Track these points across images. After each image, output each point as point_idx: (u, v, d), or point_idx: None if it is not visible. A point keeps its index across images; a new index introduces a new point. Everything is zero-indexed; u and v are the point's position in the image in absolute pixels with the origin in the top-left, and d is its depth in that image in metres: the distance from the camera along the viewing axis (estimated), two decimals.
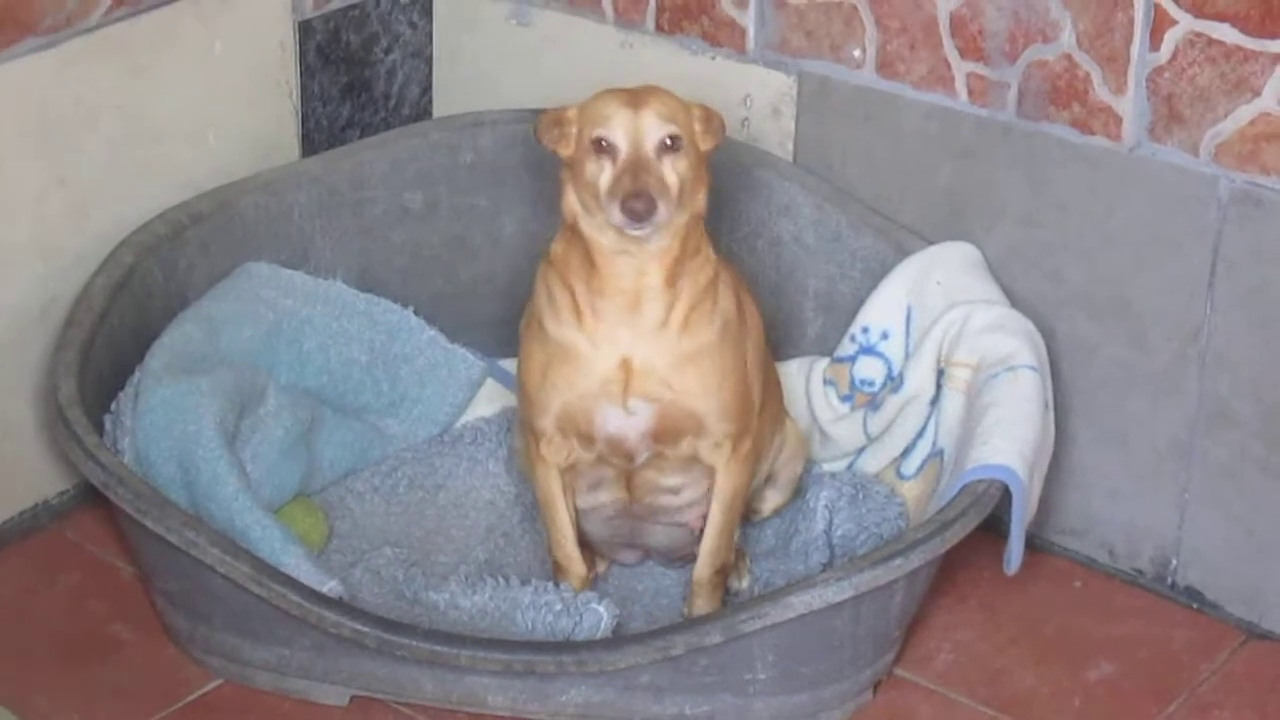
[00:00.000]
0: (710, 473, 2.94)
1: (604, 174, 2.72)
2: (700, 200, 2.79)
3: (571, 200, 2.80)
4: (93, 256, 3.14)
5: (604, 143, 2.72)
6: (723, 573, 3.00)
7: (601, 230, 2.76)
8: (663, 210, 2.66)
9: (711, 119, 2.83)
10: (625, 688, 2.79)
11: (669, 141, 2.72)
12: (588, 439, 2.89)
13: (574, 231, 2.81)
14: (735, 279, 2.93)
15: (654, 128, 2.72)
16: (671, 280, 2.80)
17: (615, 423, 2.87)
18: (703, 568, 2.98)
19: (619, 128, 2.72)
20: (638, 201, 2.65)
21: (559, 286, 2.84)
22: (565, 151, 2.80)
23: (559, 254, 2.85)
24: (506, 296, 3.36)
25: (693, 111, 2.79)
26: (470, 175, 3.41)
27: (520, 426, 3.09)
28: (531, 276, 3.30)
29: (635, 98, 2.75)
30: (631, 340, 2.82)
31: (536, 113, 3.34)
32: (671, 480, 2.97)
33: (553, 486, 2.95)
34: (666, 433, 2.88)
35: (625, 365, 2.83)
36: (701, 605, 2.97)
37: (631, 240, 2.74)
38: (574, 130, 2.78)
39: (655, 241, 2.76)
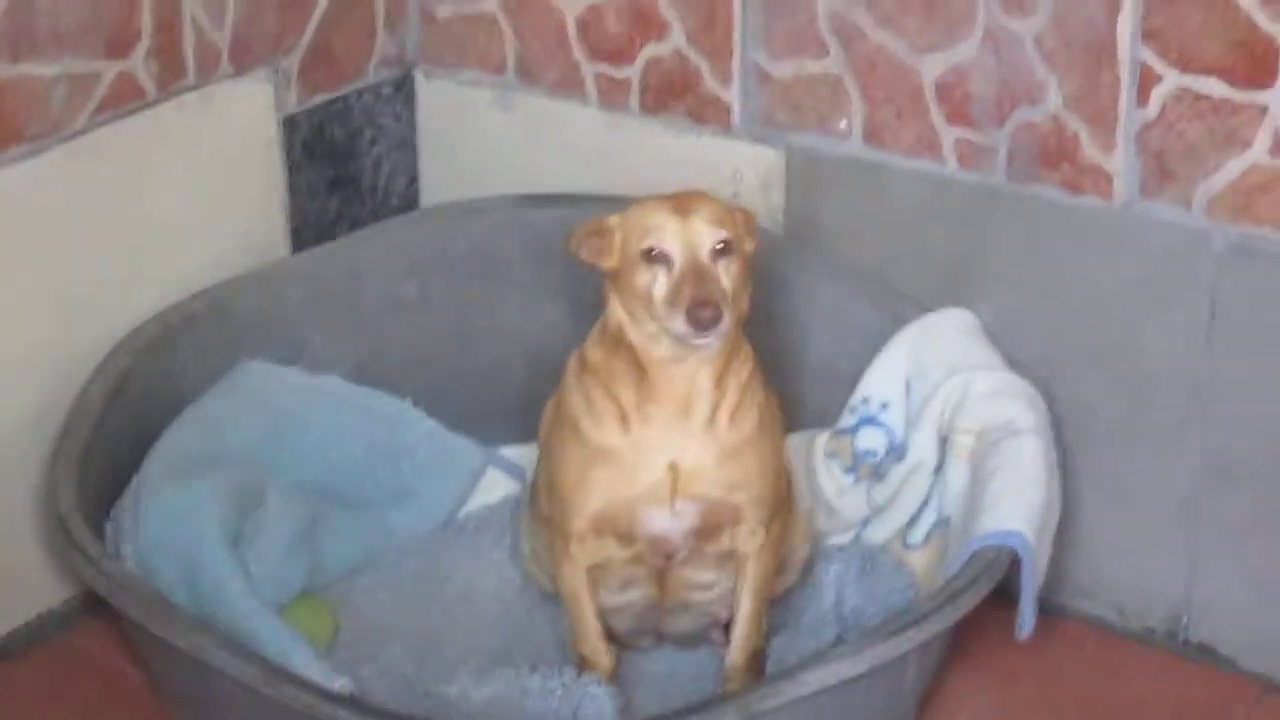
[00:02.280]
0: (740, 564, 2.94)
1: (658, 284, 2.70)
2: (745, 302, 2.77)
3: (618, 311, 2.78)
4: (87, 362, 3.14)
5: (656, 253, 2.70)
6: (756, 658, 2.98)
7: (654, 340, 2.75)
8: (727, 318, 2.65)
9: (750, 221, 2.84)
10: None
11: (720, 246, 2.70)
12: (628, 539, 2.89)
13: (618, 340, 2.79)
14: (756, 362, 2.90)
15: (706, 234, 2.70)
16: (720, 381, 2.80)
17: (661, 524, 2.87)
18: (737, 655, 2.97)
19: (671, 236, 2.70)
20: (704, 310, 2.63)
21: (601, 394, 2.82)
22: (608, 263, 2.78)
23: (598, 361, 2.84)
24: (506, 384, 3.39)
25: (736, 215, 2.78)
26: (464, 264, 3.42)
27: (537, 521, 3.09)
28: (526, 370, 3.34)
29: (682, 204, 2.74)
30: (680, 443, 2.82)
31: (529, 199, 3.38)
32: (705, 576, 2.97)
33: (580, 586, 2.94)
34: (709, 529, 2.88)
35: (673, 468, 2.83)
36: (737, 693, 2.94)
37: (690, 349, 2.73)
38: (617, 240, 2.77)
39: (707, 349, 2.75)
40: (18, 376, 3.10)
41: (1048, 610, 3.01)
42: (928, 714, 3.02)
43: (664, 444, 2.83)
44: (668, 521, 2.87)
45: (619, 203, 3.09)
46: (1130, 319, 3.06)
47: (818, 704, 2.72)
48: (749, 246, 2.79)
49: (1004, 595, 2.88)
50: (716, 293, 2.66)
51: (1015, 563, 2.86)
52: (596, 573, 2.95)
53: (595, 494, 2.87)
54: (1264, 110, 2.85)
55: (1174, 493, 3.09)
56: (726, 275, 2.71)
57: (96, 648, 3.18)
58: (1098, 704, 3.07)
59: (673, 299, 2.67)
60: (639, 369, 2.79)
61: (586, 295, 3.12)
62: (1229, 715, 3.04)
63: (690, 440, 2.83)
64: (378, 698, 2.88)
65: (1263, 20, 2.80)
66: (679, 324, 2.66)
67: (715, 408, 2.82)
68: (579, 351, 2.90)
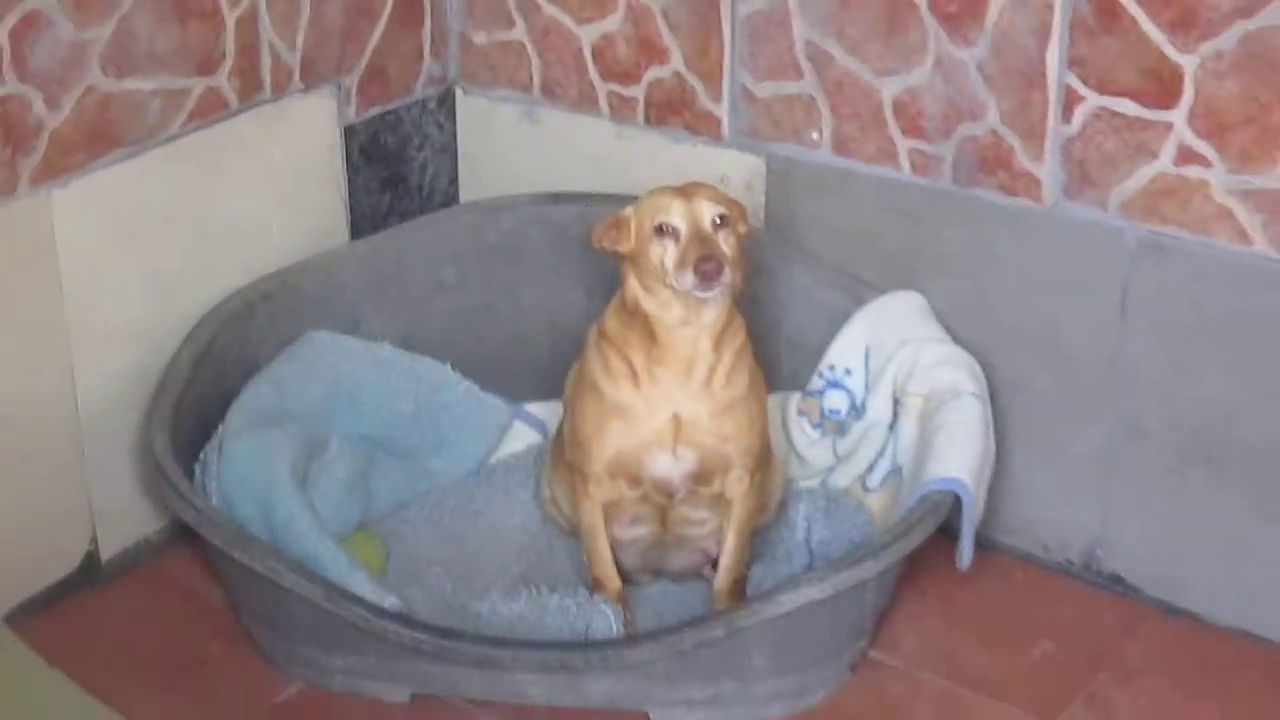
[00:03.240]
0: (728, 505, 2.96)
1: (668, 253, 2.73)
2: (740, 277, 2.78)
3: (634, 287, 2.81)
4: (178, 331, 3.15)
5: (666, 227, 2.73)
6: (739, 583, 3.00)
7: (665, 307, 2.78)
8: (728, 272, 2.68)
9: (743, 210, 2.86)
10: (643, 677, 2.80)
11: (719, 219, 2.74)
12: (636, 480, 2.91)
13: (634, 313, 2.82)
14: (747, 331, 2.92)
15: (707, 209, 2.74)
16: (717, 347, 2.82)
17: (664, 468, 2.89)
18: (723, 580, 2.99)
19: (677, 213, 2.74)
20: (709, 264, 2.67)
21: (616, 357, 2.85)
22: (625, 247, 2.81)
23: (615, 330, 2.86)
24: (529, 352, 3.39)
25: (731, 200, 2.82)
26: (494, 252, 3.42)
27: (559, 472, 3.11)
28: (548, 340, 3.35)
29: (686, 189, 2.78)
30: (682, 398, 2.85)
31: (551, 197, 3.39)
32: (699, 514, 2.99)
33: (597, 519, 2.97)
34: (704, 474, 2.91)
35: (676, 419, 2.85)
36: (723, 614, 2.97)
37: (694, 312, 2.77)
38: (632, 226, 2.79)
39: (709, 314, 2.78)
40: (121, 343, 3.11)
41: (983, 545, 3.01)
42: (882, 631, 3.02)
43: (669, 399, 2.85)
44: (670, 465, 2.90)
45: (626, 200, 3.12)
46: (1055, 302, 3.07)
47: (791, 622, 2.74)
48: (742, 229, 2.81)
49: (947, 532, 2.91)
50: (718, 251, 2.70)
51: (957, 505, 2.88)
52: (610, 509, 2.97)
53: (611, 441, 2.89)
54: (1169, 127, 2.85)
55: (1089, 448, 3.10)
56: (725, 244, 2.73)
57: (184, 571, 3.19)
58: (1025, 624, 3.07)
59: (681, 260, 2.71)
60: (650, 336, 2.81)
61: (598, 278, 3.16)
62: (1134, 633, 3.05)
63: (690, 396, 2.85)
64: (421, 613, 2.89)
65: (1171, 52, 2.81)
66: (688, 279, 2.69)
67: (712, 370, 2.84)
68: (598, 324, 2.93)
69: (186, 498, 2.86)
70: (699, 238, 2.72)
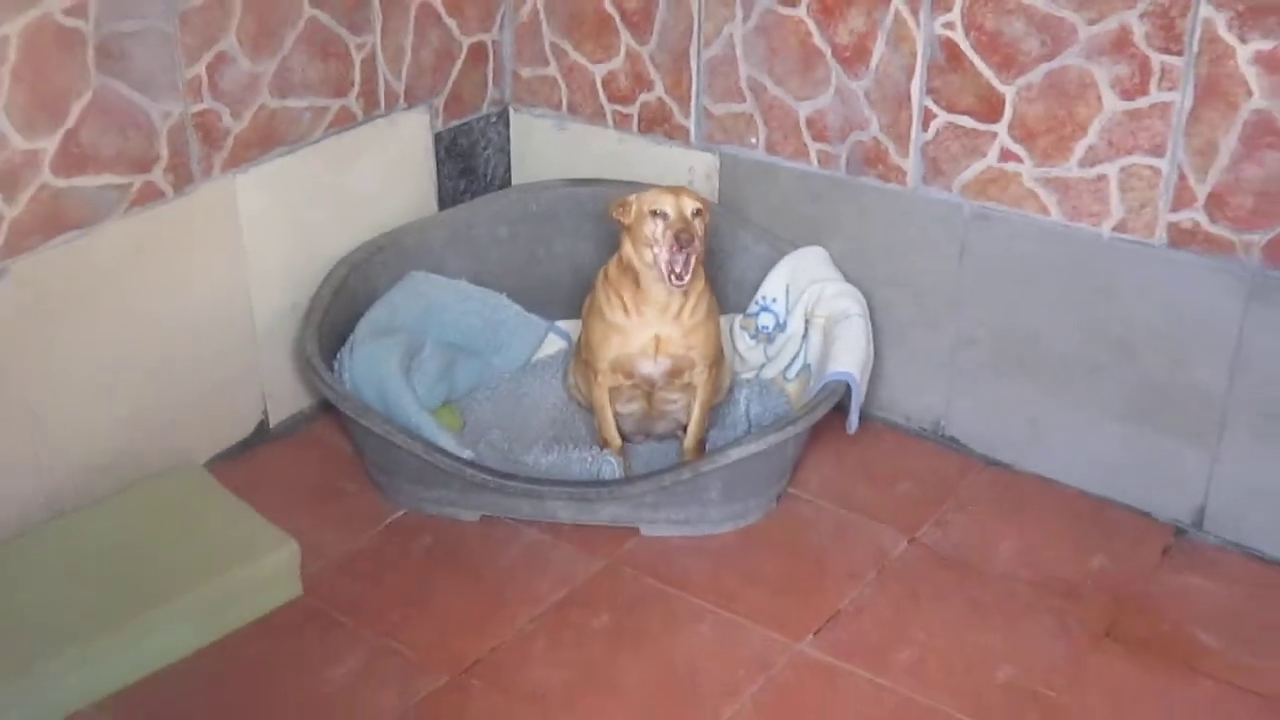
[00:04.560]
0: (693, 390, 2.92)
1: (658, 229, 2.72)
2: (703, 247, 2.77)
3: (629, 249, 2.79)
4: (321, 272, 3.10)
5: (658, 211, 2.72)
6: (701, 444, 2.96)
7: (648, 266, 2.76)
8: (697, 243, 2.71)
9: (709, 206, 2.84)
10: (636, 504, 2.78)
11: (695, 211, 2.72)
12: (629, 375, 2.88)
13: (627, 266, 2.80)
14: (706, 274, 2.89)
15: (689, 203, 2.73)
16: (687, 292, 2.79)
17: (648, 369, 2.87)
18: (690, 441, 2.96)
19: (668, 204, 2.72)
20: (684, 235, 2.68)
21: (614, 294, 2.83)
22: (626, 220, 2.78)
23: (615, 277, 2.84)
24: (558, 286, 3.32)
25: (705, 201, 2.79)
26: (535, 218, 3.35)
27: (579, 367, 3.05)
28: (573, 272, 3.29)
29: (675, 189, 2.78)
30: (660, 324, 2.82)
31: (574, 181, 3.35)
32: (673, 396, 2.95)
33: (604, 399, 2.93)
34: (676, 371, 2.88)
35: (656, 338, 2.82)
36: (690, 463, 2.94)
37: (666, 280, 2.75)
38: (634, 208, 2.77)
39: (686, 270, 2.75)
40: (283, 280, 3.06)
41: (865, 417, 2.97)
42: (797, 474, 2.99)
43: (651, 325, 2.83)
44: (652, 367, 2.86)
45: (625, 185, 3.12)
46: (913, 254, 3.01)
47: (736, 468, 2.73)
48: (708, 218, 2.79)
49: (840, 409, 2.87)
50: (692, 228, 2.70)
51: (847, 390, 2.85)
52: (612, 393, 2.93)
53: (611, 350, 2.85)
54: (995, 135, 2.81)
55: (939, 352, 3.06)
56: (700, 225, 2.73)
57: (326, 433, 3.15)
58: (892, 470, 3.04)
59: (665, 235, 2.71)
60: (636, 283, 2.79)
61: (605, 238, 3.11)
62: (965, 477, 3.02)
63: (666, 324, 2.82)
64: (487, 460, 2.86)
65: (996, 84, 2.77)
66: (664, 252, 2.70)
67: (682, 307, 2.81)
68: (604, 270, 2.89)
69: (329, 384, 2.83)
70: (681, 220, 2.71)
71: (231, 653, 2.52)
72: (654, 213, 2.74)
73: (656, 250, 2.73)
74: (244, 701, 2.43)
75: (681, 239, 2.69)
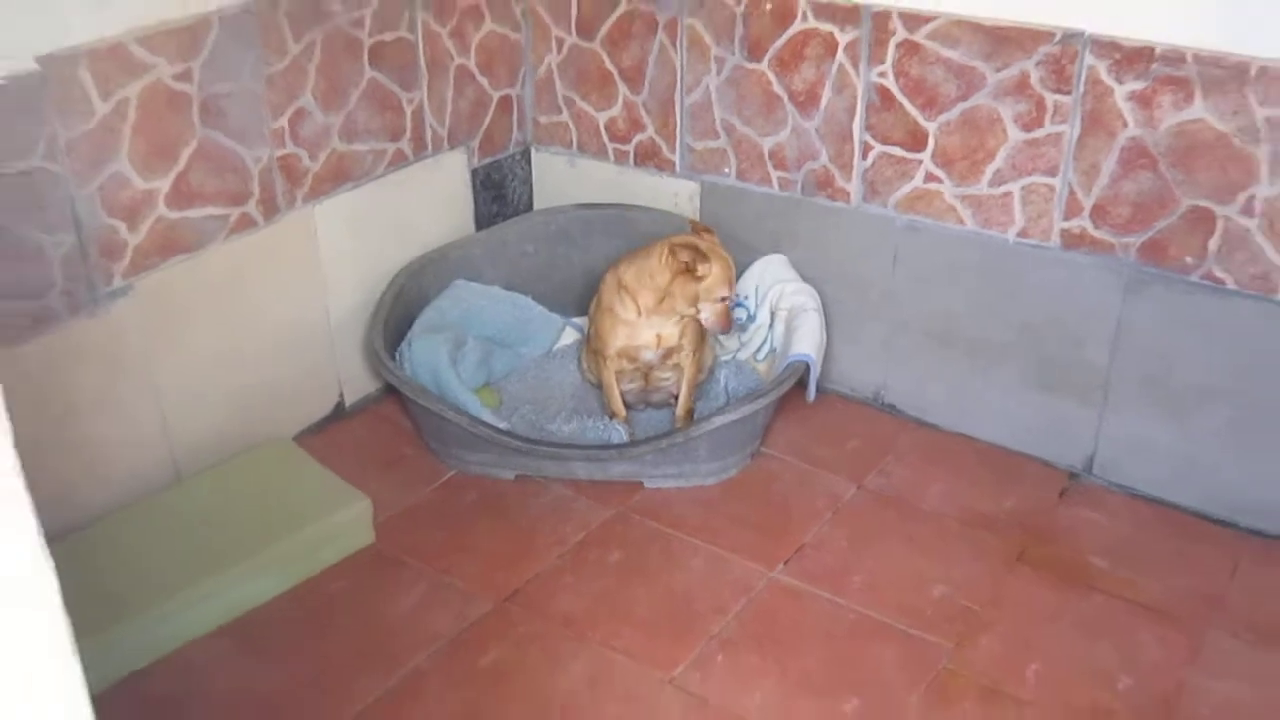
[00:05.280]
0: (681, 370, 2.90)
1: (718, 308, 2.71)
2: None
3: (673, 281, 2.71)
4: (384, 281, 3.07)
5: (724, 299, 2.70)
6: (689, 413, 2.94)
7: (672, 300, 2.73)
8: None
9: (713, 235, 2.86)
10: (640, 463, 2.76)
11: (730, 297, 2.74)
12: (632, 360, 2.86)
13: (658, 285, 2.73)
14: None
15: (733, 288, 2.77)
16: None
17: (647, 356, 2.84)
18: (680, 411, 2.93)
19: (729, 290, 2.72)
20: (733, 319, 2.79)
21: (630, 297, 2.78)
22: (699, 273, 2.69)
23: (631, 283, 2.77)
24: (572, 290, 3.29)
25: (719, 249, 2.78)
26: (553, 235, 3.32)
27: (589, 354, 3.03)
28: (585, 278, 3.26)
29: (729, 270, 2.72)
30: (661, 325, 2.80)
31: (583, 205, 3.31)
32: (666, 374, 2.92)
33: (612, 379, 2.90)
34: (668, 355, 2.85)
35: (657, 335, 2.81)
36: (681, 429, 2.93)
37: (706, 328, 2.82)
38: (712, 270, 2.69)
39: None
40: (352, 287, 3.03)
41: (821, 390, 2.97)
42: (767, 436, 2.97)
43: (655, 326, 2.80)
44: (651, 355, 2.84)
45: (624, 208, 3.07)
46: (856, 258, 2.99)
47: (719, 433, 2.71)
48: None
49: (801, 384, 2.85)
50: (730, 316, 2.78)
51: (807, 369, 2.83)
52: (617, 373, 2.91)
53: (619, 340, 2.83)
54: (920, 162, 2.79)
55: (877, 336, 3.04)
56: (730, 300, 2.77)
57: (391, 411, 3.11)
58: (843, 431, 3.02)
59: (719, 313, 2.74)
60: (658, 300, 2.75)
61: (607, 253, 3.09)
62: (901, 435, 3.00)
63: (667, 325, 2.81)
64: (520, 430, 2.85)
65: (921, 121, 2.74)
66: (716, 325, 2.76)
67: (682, 316, 2.79)
68: (614, 274, 2.84)
69: (392, 371, 2.80)
70: (727, 308, 2.73)
71: (318, 589, 2.51)
72: (722, 298, 2.71)
73: (706, 318, 2.72)
74: (329, 628, 2.41)
75: (732, 323, 2.71)
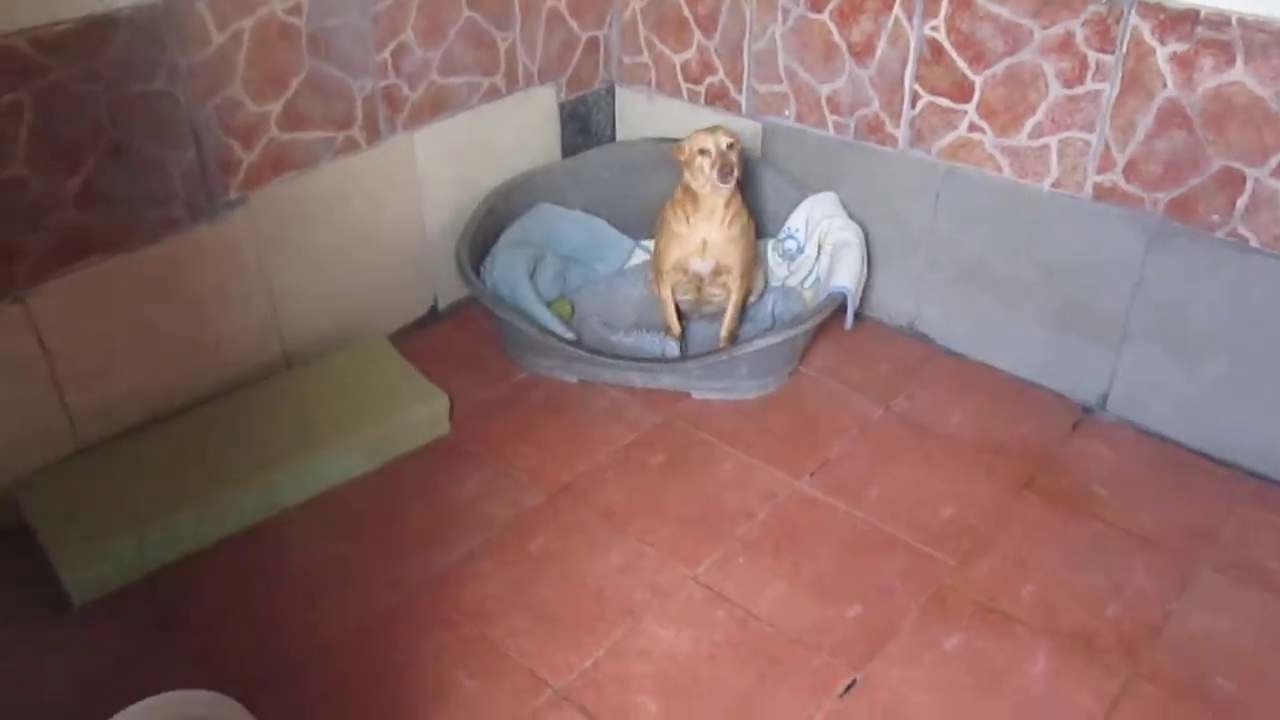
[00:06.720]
0: (729, 291, 2.69)
1: (705, 164, 2.48)
2: (741, 171, 2.53)
3: (687, 178, 2.54)
4: (475, 200, 2.91)
5: (703, 149, 2.48)
6: (733, 334, 2.74)
7: (701, 187, 2.52)
8: (735, 170, 2.46)
9: (738, 138, 2.55)
10: (687, 376, 2.59)
11: (729, 144, 2.48)
12: (684, 272, 2.66)
13: (686, 189, 2.56)
14: (746, 204, 2.64)
15: (724, 139, 2.47)
16: (727, 206, 2.55)
17: (697, 266, 2.63)
18: (725, 331, 2.73)
19: (710, 144, 2.48)
20: (725, 166, 2.45)
21: (679, 209, 2.59)
22: (681, 158, 2.54)
23: (678, 198, 2.59)
24: (645, 214, 3.08)
25: (735, 135, 2.52)
26: (631, 164, 3.11)
27: (654, 269, 2.82)
28: (655, 206, 3.04)
29: (713, 130, 2.50)
30: (707, 231, 2.58)
31: (661, 140, 3.09)
32: (717, 290, 2.71)
33: (668, 294, 2.71)
34: (718, 271, 2.64)
35: (703, 241, 2.59)
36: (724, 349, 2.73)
37: (716, 191, 2.51)
38: (686, 149, 2.52)
39: (722, 194, 2.51)
40: (446, 204, 2.87)
41: (858, 317, 2.76)
42: (806, 358, 2.77)
43: (700, 231, 2.58)
44: (700, 265, 2.63)
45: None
46: (900, 199, 2.73)
47: (761, 353, 2.52)
48: (740, 147, 2.53)
49: (841, 311, 2.64)
50: (729, 160, 2.46)
51: (846, 297, 2.61)
52: (674, 287, 2.72)
53: (674, 253, 2.63)
54: (965, 113, 2.51)
55: (915, 270, 2.79)
56: (734, 155, 2.48)
57: (477, 316, 2.97)
58: (876, 356, 2.80)
59: (711, 166, 2.48)
60: (695, 201, 2.55)
61: (677, 180, 2.86)
62: (930, 363, 2.77)
63: (711, 230, 2.58)
64: (587, 340, 2.69)
65: (969, 73, 2.46)
66: (715, 176, 2.47)
67: (724, 219, 2.57)
68: (672, 199, 2.65)
69: (473, 282, 2.65)
70: (720, 155, 2.46)
71: (398, 473, 2.41)
72: (701, 151, 2.49)
73: (705, 171, 2.50)
74: (402, 508, 2.32)
75: (723, 172, 2.45)
